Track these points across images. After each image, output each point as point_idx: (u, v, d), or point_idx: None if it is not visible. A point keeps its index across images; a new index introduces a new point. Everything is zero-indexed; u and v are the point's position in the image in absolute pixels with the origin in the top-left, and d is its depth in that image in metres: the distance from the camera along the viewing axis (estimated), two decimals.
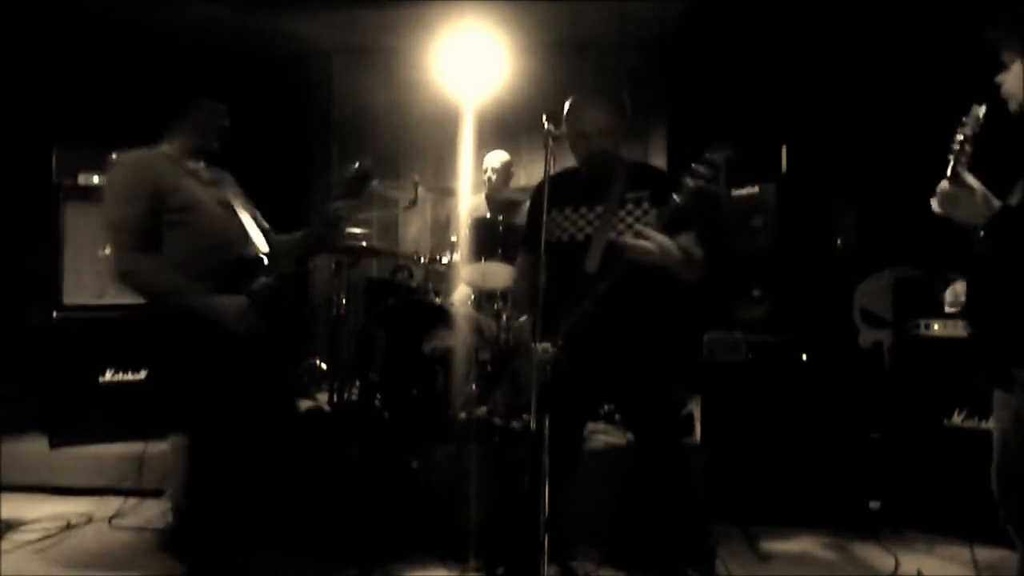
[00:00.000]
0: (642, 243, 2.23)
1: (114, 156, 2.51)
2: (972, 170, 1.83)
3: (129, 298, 4.01)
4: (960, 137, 1.82)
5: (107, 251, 2.36)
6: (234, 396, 2.35)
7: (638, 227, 2.29)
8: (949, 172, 1.82)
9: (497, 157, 4.42)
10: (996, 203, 1.82)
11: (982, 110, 1.82)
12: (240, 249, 2.43)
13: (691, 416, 3.61)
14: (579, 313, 2.27)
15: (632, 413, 2.58)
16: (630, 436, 2.89)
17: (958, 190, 1.81)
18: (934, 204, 1.88)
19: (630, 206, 2.42)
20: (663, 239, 2.24)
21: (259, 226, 2.58)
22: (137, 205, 2.30)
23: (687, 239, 2.35)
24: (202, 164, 2.52)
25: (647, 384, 2.44)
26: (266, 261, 2.45)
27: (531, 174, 5.45)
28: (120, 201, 2.33)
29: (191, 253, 2.34)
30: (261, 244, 2.48)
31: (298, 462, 3.20)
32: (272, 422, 2.55)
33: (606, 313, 2.32)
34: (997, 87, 1.95)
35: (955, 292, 2.09)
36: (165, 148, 2.46)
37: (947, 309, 2.14)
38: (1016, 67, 1.90)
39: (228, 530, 2.45)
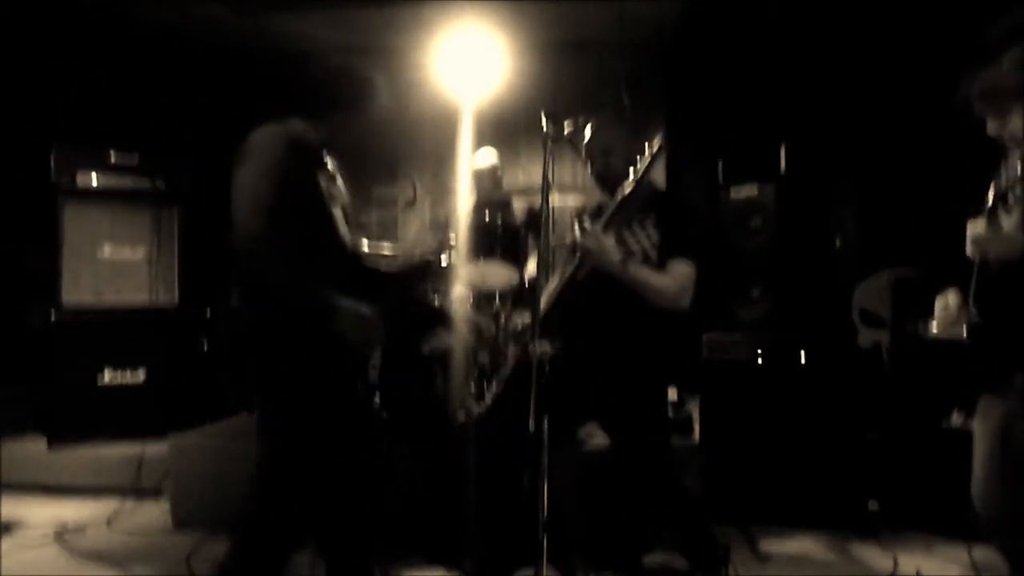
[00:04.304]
0: (585, 241, 2.30)
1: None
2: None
3: (128, 299, 4.06)
4: (1004, 181, 1.81)
5: (239, 222, 1.95)
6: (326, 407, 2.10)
7: (592, 226, 2.34)
8: (987, 213, 1.82)
9: (484, 159, 4.42)
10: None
11: None
12: (343, 267, 2.18)
13: (690, 416, 3.61)
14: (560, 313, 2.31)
15: (612, 417, 2.58)
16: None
17: (994, 233, 1.81)
18: (968, 248, 1.87)
19: (635, 227, 2.42)
20: (604, 242, 2.27)
21: None
22: (285, 186, 1.99)
23: (678, 266, 2.35)
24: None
25: (627, 390, 2.44)
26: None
27: (530, 174, 5.45)
28: (273, 174, 1.99)
29: (320, 256, 2.07)
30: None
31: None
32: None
33: (587, 318, 2.35)
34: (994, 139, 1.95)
35: (946, 305, 2.07)
36: (300, 127, 2.14)
37: (934, 327, 2.12)
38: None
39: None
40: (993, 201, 1.82)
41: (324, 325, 1.97)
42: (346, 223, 2.22)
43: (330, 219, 2.13)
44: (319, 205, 2.09)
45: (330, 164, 2.29)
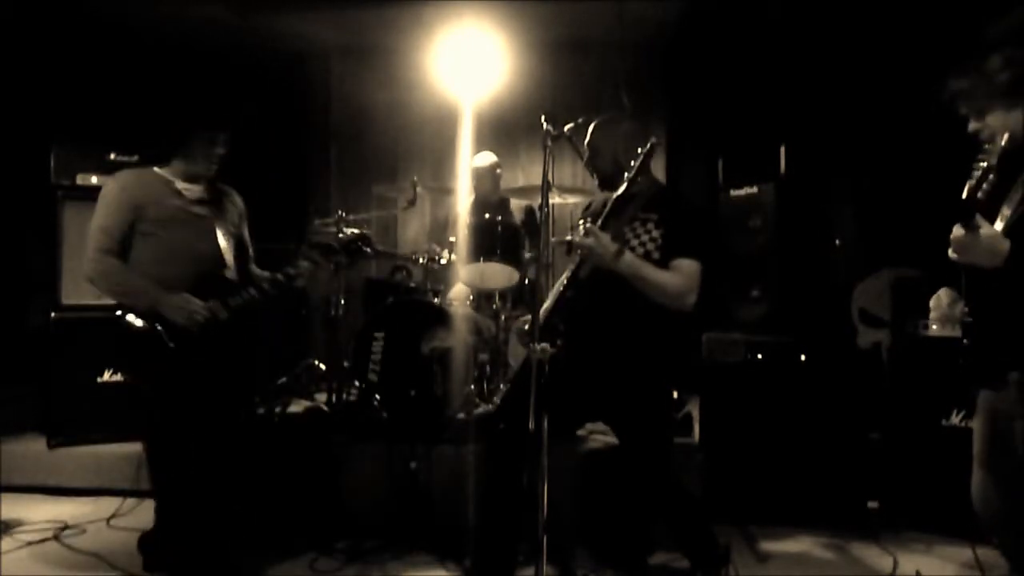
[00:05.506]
0: (584, 240, 2.29)
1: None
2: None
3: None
4: (973, 183, 1.81)
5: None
6: (188, 398, 2.55)
7: (587, 225, 2.34)
8: (963, 218, 1.79)
9: (482, 160, 4.42)
10: (1005, 244, 1.80)
11: (1005, 138, 1.81)
12: (205, 266, 2.66)
13: (690, 416, 3.61)
14: (561, 313, 2.32)
15: (614, 417, 2.57)
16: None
17: (972, 238, 1.79)
18: (951, 252, 1.87)
19: (636, 225, 2.42)
20: (603, 239, 2.28)
21: (243, 249, 2.84)
22: (117, 215, 2.59)
23: (682, 264, 2.34)
24: (199, 186, 2.74)
25: (629, 389, 2.44)
26: (229, 280, 2.70)
27: (530, 174, 5.45)
28: (104, 210, 2.61)
29: (157, 263, 2.60)
30: (230, 265, 2.73)
31: (292, 463, 3.21)
32: (228, 427, 2.70)
33: (590, 317, 2.35)
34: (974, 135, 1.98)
35: (939, 301, 2.09)
36: (158, 170, 2.73)
37: (932, 321, 2.14)
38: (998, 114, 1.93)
39: (203, 533, 2.59)
40: (966, 201, 1.80)
41: (151, 314, 2.52)
42: (215, 238, 2.69)
43: (171, 237, 2.62)
44: (159, 226, 2.61)
45: (201, 194, 2.71)
